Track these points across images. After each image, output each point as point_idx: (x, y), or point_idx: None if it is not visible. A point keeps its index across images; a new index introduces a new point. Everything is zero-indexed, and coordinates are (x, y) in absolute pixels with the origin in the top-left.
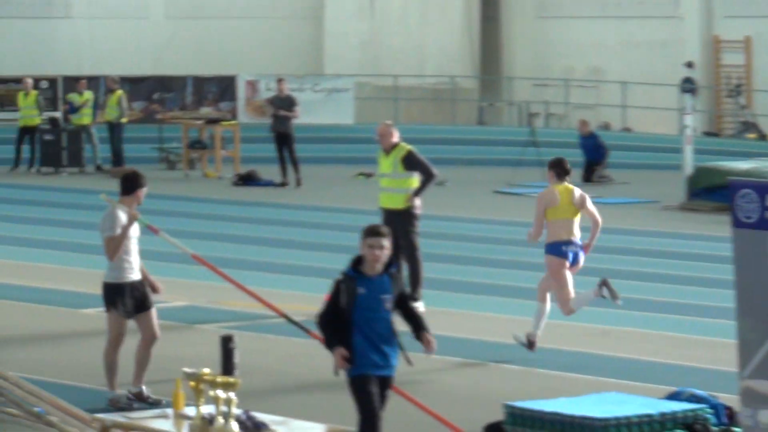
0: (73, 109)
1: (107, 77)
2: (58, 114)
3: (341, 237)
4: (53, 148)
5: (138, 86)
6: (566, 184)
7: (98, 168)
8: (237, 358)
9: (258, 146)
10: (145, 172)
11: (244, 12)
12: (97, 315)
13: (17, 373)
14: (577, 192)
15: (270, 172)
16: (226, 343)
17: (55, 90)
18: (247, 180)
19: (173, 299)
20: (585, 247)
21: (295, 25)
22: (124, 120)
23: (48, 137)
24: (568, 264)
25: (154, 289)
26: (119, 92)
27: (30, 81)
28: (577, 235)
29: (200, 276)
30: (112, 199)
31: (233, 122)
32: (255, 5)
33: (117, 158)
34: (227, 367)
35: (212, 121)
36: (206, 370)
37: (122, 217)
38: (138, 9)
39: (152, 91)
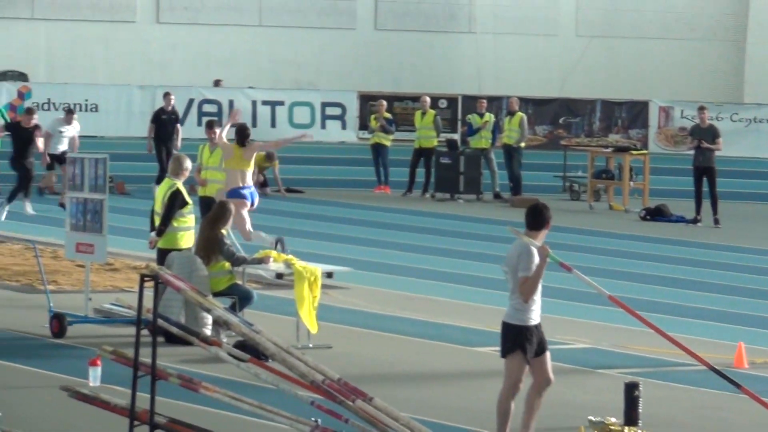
0: (472, 132)
1: (510, 98)
2: (456, 136)
3: (760, 281)
4: (450, 172)
5: (542, 109)
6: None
7: (496, 196)
8: (641, 407)
9: (669, 179)
10: (546, 202)
11: (661, 32)
12: (491, 354)
13: (406, 413)
14: (248, 148)
15: (680, 206)
16: (631, 390)
17: (455, 110)
18: (656, 215)
19: (575, 341)
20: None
21: (714, 49)
22: (522, 145)
23: (444, 160)
24: (248, 203)
25: None
26: (520, 114)
27: (428, 99)
28: (249, 182)
29: (602, 317)
30: (521, 233)
31: (643, 152)
32: (672, 26)
33: (516, 186)
34: (631, 417)
35: (621, 150)
36: (612, 419)
37: (535, 254)
38: (547, 25)
39: (557, 114)
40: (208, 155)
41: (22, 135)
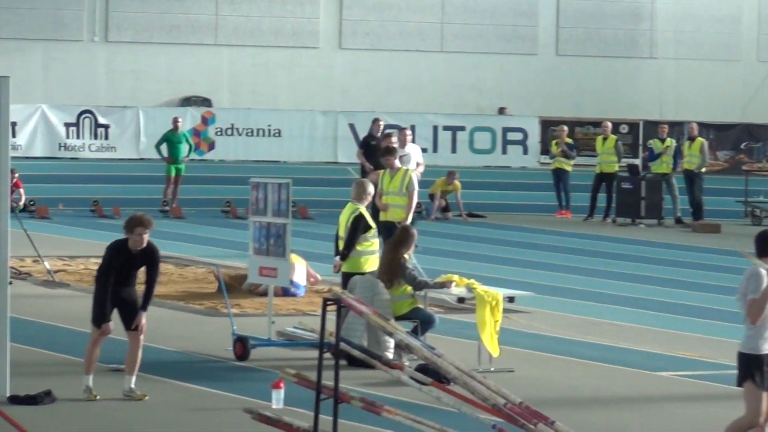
0: (653, 157)
1: (690, 123)
2: (637, 161)
3: None
4: (631, 197)
5: (724, 134)
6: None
7: (678, 221)
8: None
9: None
10: (728, 227)
11: None
12: (674, 379)
13: None
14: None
15: None
16: None
17: (636, 135)
18: None
19: None
20: None
21: None
22: (703, 170)
23: (626, 185)
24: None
25: None
26: (700, 140)
27: (609, 125)
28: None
29: None
30: (752, 257)
31: None
32: None
33: (697, 211)
34: None
35: None
36: None
37: (765, 276)
38: (729, 51)
39: (739, 140)
40: (388, 180)
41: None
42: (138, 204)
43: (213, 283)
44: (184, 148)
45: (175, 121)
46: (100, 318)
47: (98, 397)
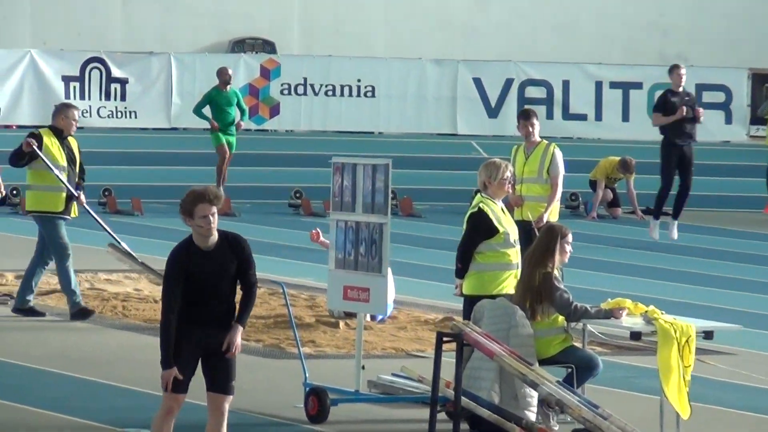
0: None
1: None
2: None
3: None
4: None
5: None
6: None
7: None
8: None
9: None
10: None
11: None
12: None
13: None
14: None
15: None
16: None
17: None
18: None
19: None
20: None
21: None
22: None
23: None
24: None
25: None
26: None
27: None
28: None
29: None
30: None
31: None
32: None
33: None
34: None
35: None
36: None
37: None
38: None
39: None
40: (522, 161)
41: None
42: (169, 194)
43: (276, 309)
44: (234, 113)
45: (224, 74)
46: (165, 365)
47: None
